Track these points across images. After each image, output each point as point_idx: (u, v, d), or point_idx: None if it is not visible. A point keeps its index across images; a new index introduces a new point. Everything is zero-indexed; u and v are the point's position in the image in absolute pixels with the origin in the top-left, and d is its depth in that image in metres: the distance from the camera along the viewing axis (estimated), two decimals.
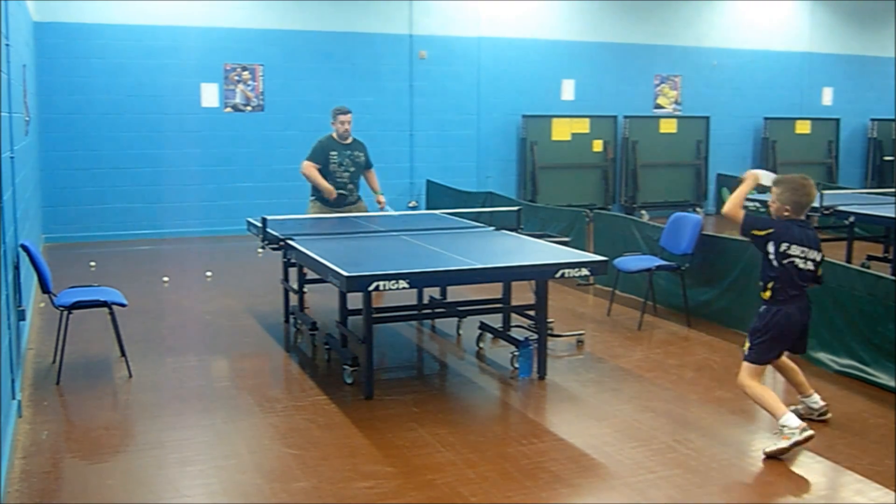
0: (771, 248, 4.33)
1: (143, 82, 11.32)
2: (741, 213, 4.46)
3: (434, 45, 12.83)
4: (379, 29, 12.53)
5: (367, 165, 7.83)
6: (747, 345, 4.48)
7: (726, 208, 4.51)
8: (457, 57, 13.01)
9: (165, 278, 8.64)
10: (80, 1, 11.01)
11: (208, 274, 8.97)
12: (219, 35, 11.66)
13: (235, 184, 11.87)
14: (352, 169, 7.65)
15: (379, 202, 7.87)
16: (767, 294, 4.41)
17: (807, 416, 4.66)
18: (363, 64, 12.46)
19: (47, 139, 10.89)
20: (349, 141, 7.68)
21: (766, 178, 4.67)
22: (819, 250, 4.43)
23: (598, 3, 13.92)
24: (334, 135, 7.65)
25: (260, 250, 6.32)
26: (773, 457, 4.24)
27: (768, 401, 4.35)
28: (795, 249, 4.33)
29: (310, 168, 7.55)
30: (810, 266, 4.38)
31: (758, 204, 9.32)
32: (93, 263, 9.27)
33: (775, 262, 4.34)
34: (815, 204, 8.41)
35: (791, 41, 15.38)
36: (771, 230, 4.37)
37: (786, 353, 4.62)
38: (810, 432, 4.24)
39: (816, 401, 4.71)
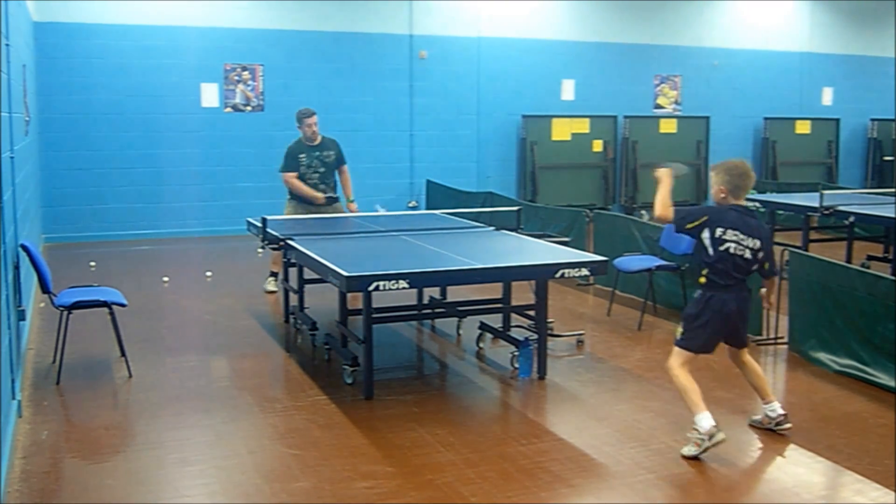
0: (706, 234, 4.31)
1: (142, 82, 11.32)
2: (671, 212, 4.43)
3: (434, 45, 12.82)
4: (379, 29, 12.53)
5: (339, 162, 7.86)
6: (680, 330, 4.43)
7: (657, 212, 4.45)
8: (457, 57, 13.01)
9: (165, 278, 8.64)
10: (80, 1, 11.01)
11: (208, 274, 8.97)
12: (219, 35, 11.66)
13: (235, 184, 11.87)
14: (321, 169, 7.72)
15: (350, 209, 7.87)
16: (703, 280, 4.37)
17: (766, 425, 4.62)
18: (363, 64, 12.46)
19: (47, 139, 10.89)
20: (318, 141, 7.72)
21: (679, 169, 4.67)
22: (761, 238, 4.33)
23: (598, 3, 13.92)
24: (302, 138, 7.72)
25: (260, 250, 6.33)
26: (690, 458, 4.22)
27: (690, 394, 4.29)
28: (730, 235, 4.28)
29: (289, 178, 7.70)
30: (747, 254, 4.30)
31: (757, 204, 9.35)
32: (93, 263, 9.27)
33: (710, 249, 4.30)
34: (815, 204, 8.49)
35: (791, 41, 15.38)
36: (705, 217, 4.33)
37: (744, 354, 4.56)
38: (721, 437, 4.17)
39: (775, 409, 4.58)
